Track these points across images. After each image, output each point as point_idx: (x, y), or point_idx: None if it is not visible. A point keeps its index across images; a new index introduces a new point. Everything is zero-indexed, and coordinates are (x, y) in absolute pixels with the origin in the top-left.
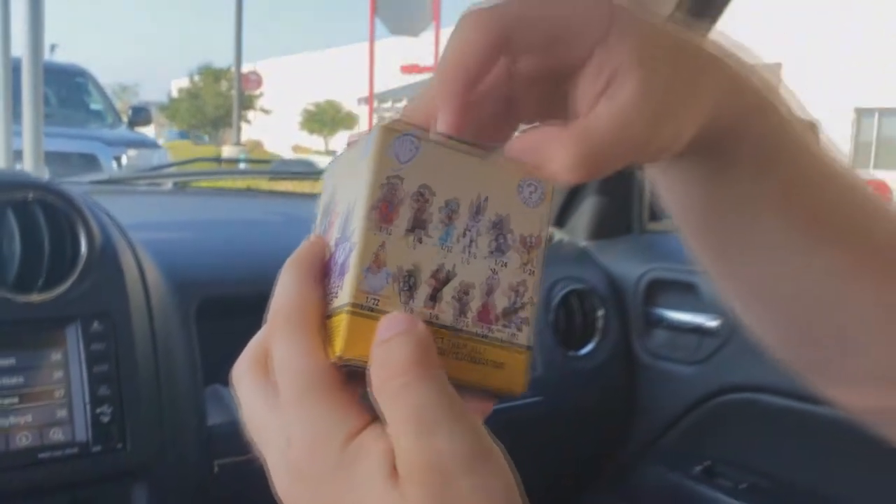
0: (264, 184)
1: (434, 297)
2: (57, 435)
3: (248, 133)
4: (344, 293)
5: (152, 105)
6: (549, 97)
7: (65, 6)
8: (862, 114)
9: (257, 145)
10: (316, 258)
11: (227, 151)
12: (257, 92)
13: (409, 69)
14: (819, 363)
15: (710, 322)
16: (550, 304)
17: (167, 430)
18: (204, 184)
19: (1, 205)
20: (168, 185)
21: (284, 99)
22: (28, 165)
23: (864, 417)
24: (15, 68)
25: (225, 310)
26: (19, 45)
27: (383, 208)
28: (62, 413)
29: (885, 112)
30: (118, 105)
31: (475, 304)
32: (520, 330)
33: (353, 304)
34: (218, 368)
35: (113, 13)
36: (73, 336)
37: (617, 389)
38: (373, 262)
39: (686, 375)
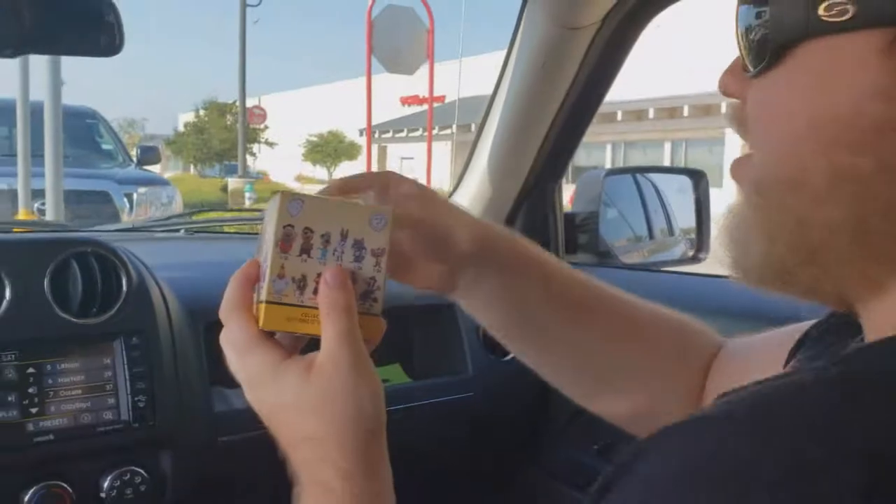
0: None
1: (315, 291)
2: (108, 415)
3: (253, 165)
4: (263, 293)
5: (158, 139)
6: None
7: None
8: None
9: (263, 175)
10: (250, 272)
11: (233, 184)
12: (262, 125)
13: (408, 100)
14: (591, 396)
15: None
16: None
17: (185, 413)
18: (209, 230)
19: (69, 256)
20: (181, 232)
21: (288, 131)
22: (49, 204)
23: (621, 423)
24: (7, 110)
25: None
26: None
27: (282, 243)
28: (111, 400)
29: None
30: (125, 139)
31: None
32: (375, 302)
33: (268, 300)
34: (221, 374)
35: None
36: (118, 347)
37: (536, 387)
38: (278, 275)
39: None
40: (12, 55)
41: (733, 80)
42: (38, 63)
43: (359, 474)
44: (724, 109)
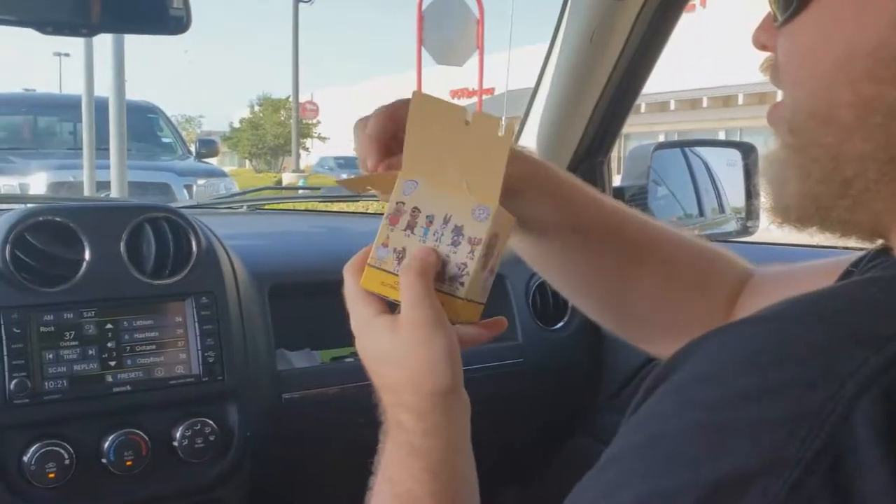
0: (320, 205)
1: None
2: (180, 370)
3: (306, 159)
4: (369, 257)
5: (214, 135)
6: None
7: (132, 45)
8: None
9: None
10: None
11: (287, 178)
12: (314, 120)
13: (458, 93)
14: (618, 323)
15: None
16: (528, 290)
17: (251, 369)
18: (270, 207)
19: (142, 221)
20: (243, 208)
21: (340, 126)
22: (114, 195)
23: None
24: (73, 106)
25: (288, 293)
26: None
27: (391, 217)
28: (183, 356)
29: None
30: (183, 136)
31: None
32: (461, 286)
33: (369, 264)
34: (283, 336)
35: (176, 48)
36: (189, 306)
37: (585, 355)
38: (382, 244)
39: None
40: (88, 34)
41: (765, 33)
42: (103, 61)
43: (431, 416)
44: (779, 97)
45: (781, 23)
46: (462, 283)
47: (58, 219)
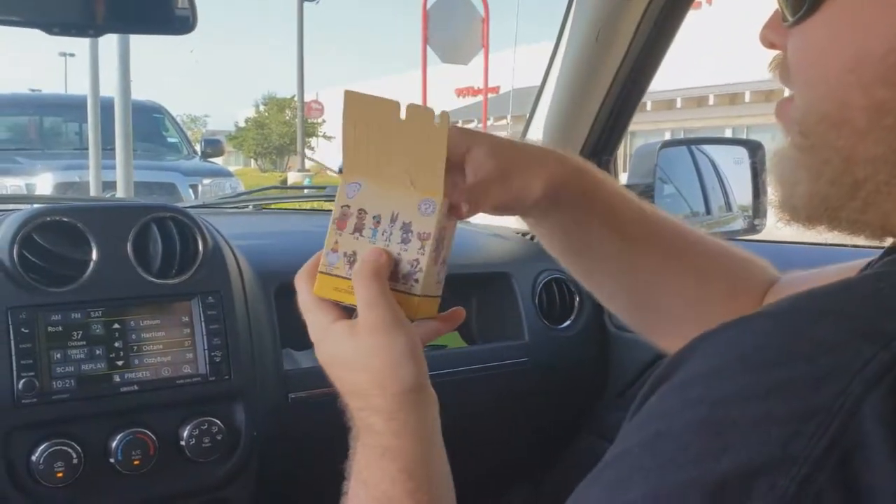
0: (326, 204)
1: None
2: (187, 369)
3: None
4: (320, 264)
5: (220, 135)
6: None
7: (137, 45)
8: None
9: (321, 169)
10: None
11: (293, 177)
12: (320, 119)
13: (463, 92)
14: (647, 324)
15: None
16: (535, 288)
17: (257, 369)
18: (275, 206)
19: (149, 221)
20: (249, 207)
21: None
22: (120, 195)
23: None
24: (79, 106)
25: (295, 292)
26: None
27: (338, 221)
28: (190, 355)
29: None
30: (189, 135)
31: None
32: (416, 283)
33: (320, 271)
34: (289, 337)
35: (182, 49)
36: (196, 306)
37: (591, 354)
38: (332, 249)
39: (642, 342)
40: (95, 35)
41: (773, 32)
42: (108, 61)
43: (400, 415)
44: (786, 94)
45: (793, 23)
46: (417, 280)
47: (65, 219)
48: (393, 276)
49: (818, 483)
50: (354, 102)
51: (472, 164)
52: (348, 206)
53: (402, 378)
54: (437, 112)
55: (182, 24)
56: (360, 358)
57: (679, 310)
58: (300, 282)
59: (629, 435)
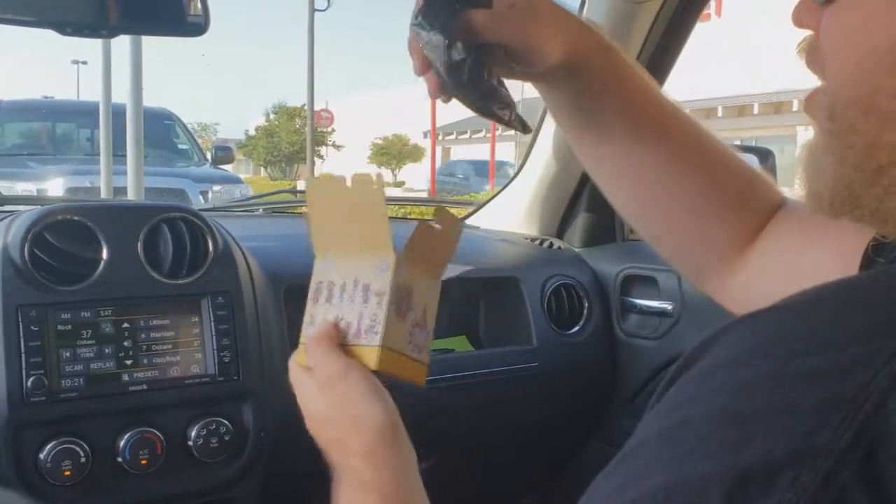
0: None
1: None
2: (196, 369)
3: (321, 168)
4: (301, 335)
5: (231, 142)
6: None
7: (147, 50)
8: None
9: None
10: None
11: (302, 186)
12: (329, 128)
13: None
14: (647, 226)
15: (667, 306)
16: (544, 293)
17: (265, 369)
18: (285, 210)
19: (160, 221)
20: (259, 211)
21: (355, 134)
22: (131, 199)
23: (695, 281)
24: (90, 113)
25: (304, 295)
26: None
27: (314, 295)
28: (199, 355)
29: None
30: (199, 143)
31: (353, 328)
32: (376, 334)
33: (300, 342)
34: (297, 338)
35: (191, 56)
36: (205, 306)
37: (600, 360)
38: (308, 322)
39: (652, 348)
40: (108, 36)
41: (806, 11)
42: (119, 68)
43: (379, 451)
44: (795, 107)
45: (825, 1)
46: (376, 332)
47: (76, 218)
48: (356, 334)
49: (842, 478)
50: (313, 188)
51: (501, 9)
52: (321, 282)
53: (372, 416)
54: (374, 176)
55: (195, 26)
56: (329, 411)
57: (682, 215)
58: (291, 359)
59: (649, 426)
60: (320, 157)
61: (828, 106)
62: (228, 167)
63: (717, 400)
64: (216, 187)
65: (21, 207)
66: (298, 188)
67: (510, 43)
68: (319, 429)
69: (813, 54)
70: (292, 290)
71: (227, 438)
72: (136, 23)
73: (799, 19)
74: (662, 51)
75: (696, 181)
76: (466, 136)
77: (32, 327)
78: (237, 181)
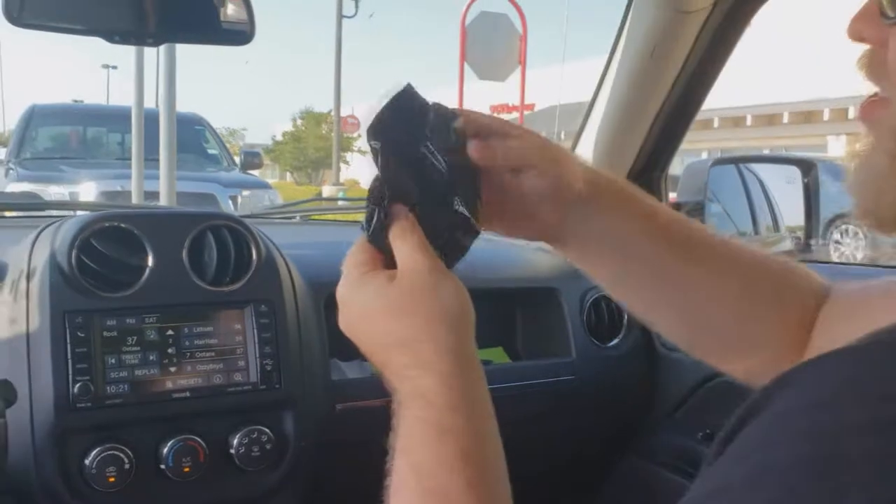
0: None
1: None
2: (238, 377)
3: (346, 173)
4: None
5: (258, 147)
6: None
7: (178, 57)
8: None
9: (354, 184)
10: None
11: (327, 191)
12: (355, 134)
13: (497, 108)
14: (693, 340)
15: None
16: (583, 305)
17: (306, 379)
18: (320, 217)
19: (205, 229)
20: (296, 218)
21: None
22: (163, 204)
23: (745, 379)
24: (121, 117)
25: None
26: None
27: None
28: (241, 363)
29: None
30: (227, 147)
31: None
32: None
33: None
34: (336, 348)
35: (221, 63)
36: (248, 314)
37: (639, 374)
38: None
39: (692, 363)
40: (154, 44)
41: (869, 26)
42: (149, 73)
43: (456, 380)
44: (826, 117)
45: None
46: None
47: (123, 225)
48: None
49: None
50: None
51: (516, 144)
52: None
53: (454, 325)
54: None
55: (241, 34)
56: (405, 301)
57: (726, 323)
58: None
59: (725, 467)
60: (346, 162)
61: (895, 129)
62: (256, 172)
63: (806, 445)
64: (245, 192)
65: (57, 212)
66: (324, 195)
67: (543, 166)
68: (383, 323)
69: (876, 68)
70: (332, 299)
71: (268, 447)
72: (180, 31)
73: (858, 33)
74: (708, 61)
75: (736, 289)
76: None
77: (79, 333)
78: (265, 186)
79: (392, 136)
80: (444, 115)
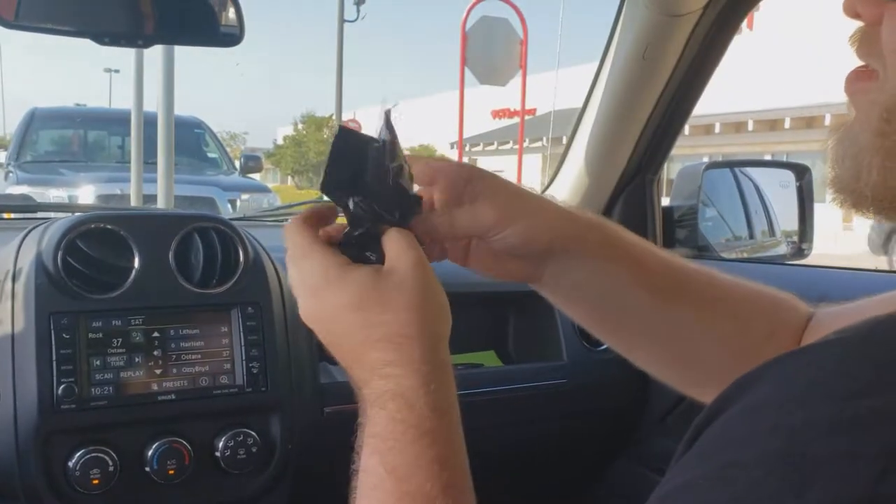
0: None
1: None
2: (224, 379)
3: None
4: None
5: (259, 151)
6: None
7: (178, 60)
8: None
9: None
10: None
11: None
12: None
13: (499, 113)
14: (688, 379)
15: None
16: None
17: (294, 382)
18: None
19: (191, 230)
20: (288, 221)
21: None
22: (161, 207)
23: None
24: (122, 121)
25: None
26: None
27: None
28: (227, 366)
29: None
30: (228, 151)
31: None
32: None
33: None
34: (325, 350)
35: (222, 67)
36: (235, 316)
37: (630, 379)
38: None
39: None
40: (144, 46)
41: (864, 4)
42: (151, 76)
43: (435, 383)
44: (827, 121)
45: None
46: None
47: (109, 226)
48: None
49: None
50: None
51: (474, 195)
52: None
53: (442, 326)
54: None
55: (230, 36)
56: (397, 295)
57: (721, 359)
58: (295, 226)
59: (692, 464)
60: None
61: (885, 106)
62: (256, 176)
63: (772, 442)
64: (244, 196)
65: (52, 214)
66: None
67: (504, 223)
68: (367, 316)
69: (868, 46)
70: None
71: (254, 450)
72: (172, 33)
73: (853, 8)
74: (699, 65)
75: (729, 326)
76: (493, 147)
77: (64, 335)
78: (265, 190)
79: (344, 182)
80: (380, 158)
